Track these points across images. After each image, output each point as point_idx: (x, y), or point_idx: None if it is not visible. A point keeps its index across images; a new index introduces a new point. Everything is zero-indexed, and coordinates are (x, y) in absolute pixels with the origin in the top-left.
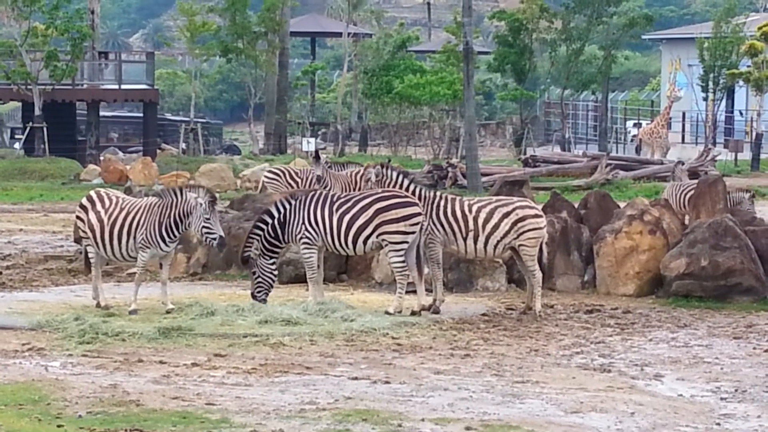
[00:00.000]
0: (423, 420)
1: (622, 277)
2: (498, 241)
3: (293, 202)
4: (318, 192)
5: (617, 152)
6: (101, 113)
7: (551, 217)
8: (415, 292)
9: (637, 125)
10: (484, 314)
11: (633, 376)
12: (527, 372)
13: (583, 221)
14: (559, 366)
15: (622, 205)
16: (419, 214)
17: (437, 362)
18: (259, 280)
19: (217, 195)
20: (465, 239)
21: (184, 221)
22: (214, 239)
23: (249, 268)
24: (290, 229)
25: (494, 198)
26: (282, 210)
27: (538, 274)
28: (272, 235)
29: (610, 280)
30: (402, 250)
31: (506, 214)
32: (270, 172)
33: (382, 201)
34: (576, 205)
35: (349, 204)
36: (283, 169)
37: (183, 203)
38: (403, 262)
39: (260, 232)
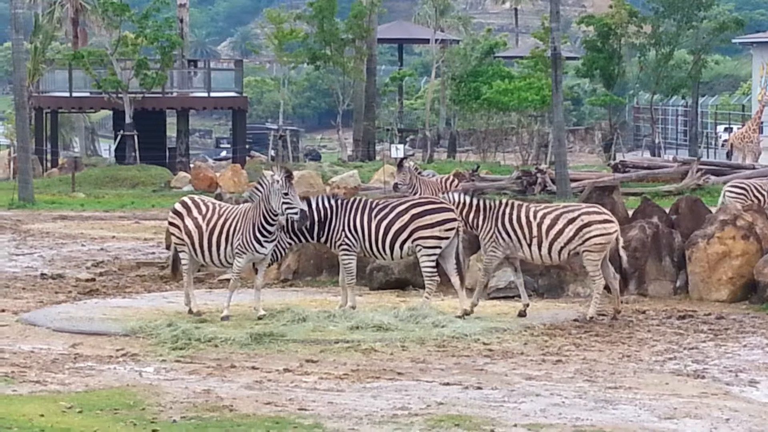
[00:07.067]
0: (515, 426)
1: (715, 282)
2: (562, 247)
3: (334, 204)
4: (357, 198)
5: (708, 157)
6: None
7: (642, 222)
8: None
9: (728, 130)
10: (575, 320)
11: (727, 382)
12: (620, 378)
13: (674, 227)
14: (652, 372)
15: (713, 210)
16: (454, 219)
17: (529, 368)
18: None
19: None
20: (529, 245)
21: (271, 206)
22: (296, 213)
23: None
24: (330, 235)
25: (561, 205)
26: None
27: (599, 281)
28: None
29: (702, 286)
30: (434, 255)
31: (571, 220)
32: (735, 186)
33: (417, 206)
34: (667, 211)
35: (386, 210)
36: (747, 184)
37: (266, 187)
38: (433, 266)
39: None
